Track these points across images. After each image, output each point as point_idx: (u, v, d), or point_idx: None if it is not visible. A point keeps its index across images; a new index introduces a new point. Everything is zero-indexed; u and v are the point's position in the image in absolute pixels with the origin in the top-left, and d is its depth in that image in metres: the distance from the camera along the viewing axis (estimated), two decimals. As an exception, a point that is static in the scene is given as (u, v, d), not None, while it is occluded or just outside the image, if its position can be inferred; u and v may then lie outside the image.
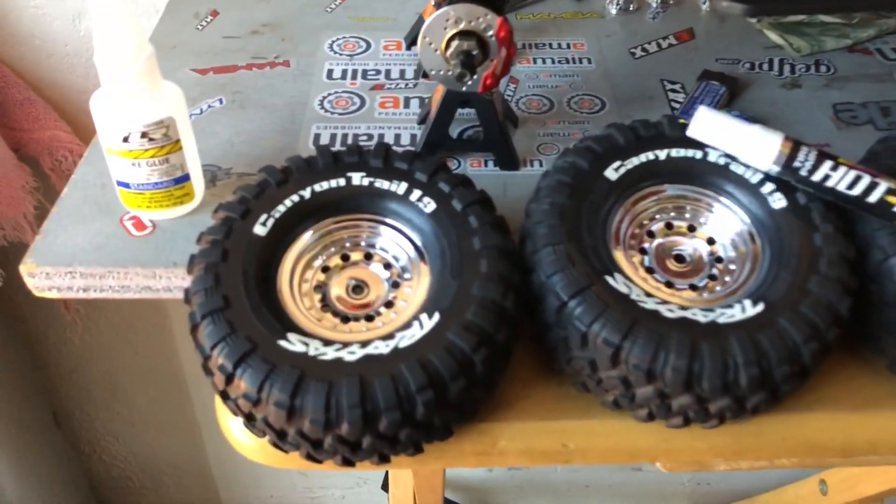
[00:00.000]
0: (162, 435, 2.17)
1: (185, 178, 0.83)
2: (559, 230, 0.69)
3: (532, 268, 0.70)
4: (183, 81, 1.10)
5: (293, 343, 0.69)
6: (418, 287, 0.71)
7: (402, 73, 1.13)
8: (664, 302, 0.72)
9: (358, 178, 0.73)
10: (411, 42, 1.18)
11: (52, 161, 1.61)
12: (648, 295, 0.72)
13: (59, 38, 1.35)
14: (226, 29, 1.13)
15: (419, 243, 0.72)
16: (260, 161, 0.83)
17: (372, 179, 0.74)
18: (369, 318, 0.70)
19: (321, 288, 0.72)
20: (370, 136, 1.02)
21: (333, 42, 1.12)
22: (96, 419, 2.18)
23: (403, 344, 0.69)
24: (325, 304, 0.77)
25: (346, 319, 0.70)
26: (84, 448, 2.28)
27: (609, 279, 0.73)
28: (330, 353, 0.68)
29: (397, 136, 0.97)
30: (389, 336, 0.70)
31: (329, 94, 1.08)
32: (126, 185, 0.82)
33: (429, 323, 0.70)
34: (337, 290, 0.72)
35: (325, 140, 1.02)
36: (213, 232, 0.76)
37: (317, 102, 1.06)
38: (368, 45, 1.12)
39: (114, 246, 0.80)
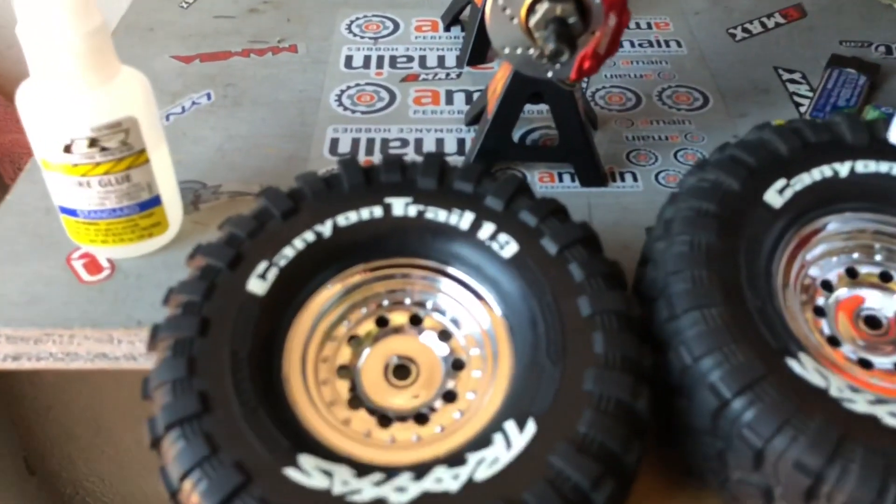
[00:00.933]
0: (153, 475, 1.92)
1: (155, 201, 0.65)
2: (709, 285, 0.51)
3: (667, 344, 0.51)
4: (162, 72, 0.87)
5: (308, 473, 0.44)
6: (496, 372, 0.46)
7: (441, 59, 0.88)
8: (881, 401, 0.46)
9: (401, 207, 0.55)
10: (451, 21, 0.95)
11: (14, 170, 1.40)
12: (854, 389, 0.47)
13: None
14: (217, 6, 0.99)
15: (495, 304, 0.54)
16: (260, 176, 0.60)
17: (422, 208, 0.51)
18: (420, 419, 0.53)
19: (348, 370, 0.48)
20: (403, 142, 0.78)
21: (352, 22, 0.92)
22: (78, 459, 1.93)
23: (482, 475, 0.44)
24: (355, 396, 0.51)
25: (385, 420, 0.53)
26: (66, 491, 2.02)
27: (792, 363, 0.47)
28: (367, 492, 0.43)
29: (439, 142, 0.74)
30: (457, 459, 0.45)
31: (349, 88, 0.85)
32: (72, 213, 0.63)
33: (519, 437, 0.45)
34: (372, 372, 0.48)
35: (344, 147, 0.77)
36: (186, 289, 0.50)
37: (333, 98, 0.83)
38: (396, 26, 0.97)
39: (56, 297, 0.64)
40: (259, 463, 0.45)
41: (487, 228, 0.54)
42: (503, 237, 0.54)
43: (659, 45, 0.92)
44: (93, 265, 0.67)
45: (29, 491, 1.89)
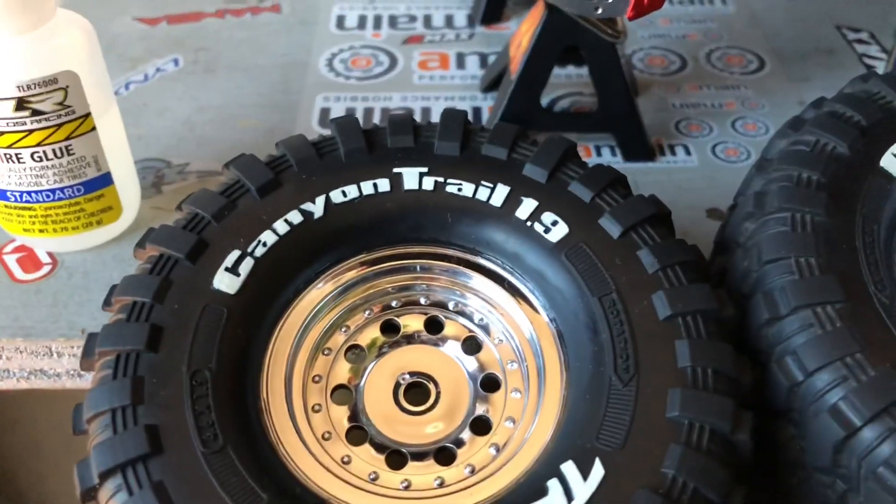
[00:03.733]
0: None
1: (104, 180, 0.55)
2: (822, 275, 0.39)
3: (767, 354, 0.40)
4: (123, 36, 0.76)
5: (296, 539, 0.31)
6: (542, 394, 0.34)
7: (449, 19, 0.77)
8: None
9: (414, 178, 0.44)
10: (459, -23, 0.81)
11: None
12: None
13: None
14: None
15: (540, 304, 0.42)
16: (235, 153, 0.51)
17: (441, 179, 0.36)
18: (443, 457, 0.41)
19: (347, 392, 0.34)
20: (408, 112, 0.65)
21: None
22: (48, 477, 1.80)
23: None
24: (357, 425, 0.39)
25: (397, 458, 0.41)
26: (36, 509, 1.89)
27: (941, 379, 0.35)
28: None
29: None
30: (500, 514, 0.32)
31: (341, 51, 0.74)
32: (0, 195, 0.51)
33: (582, 485, 0.33)
34: (378, 393, 0.35)
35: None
36: (132, 288, 0.38)
37: (323, 62, 0.72)
38: None
39: None
40: (227, 525, 0.33)
41: (527, 205, 0.42)
42: (549, 216, 0.42)
43: (702, 2, 0.80)
44: (29, 260, 0.56)
45: (-6, 513, 1.75)
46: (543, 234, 0.41)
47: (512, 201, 0.42)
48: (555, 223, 0.41)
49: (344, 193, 0.43)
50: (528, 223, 0.42)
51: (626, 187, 0.43)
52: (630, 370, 0.37)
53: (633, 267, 0.39)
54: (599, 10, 0.48)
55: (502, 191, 0.43)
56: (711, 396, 0.36)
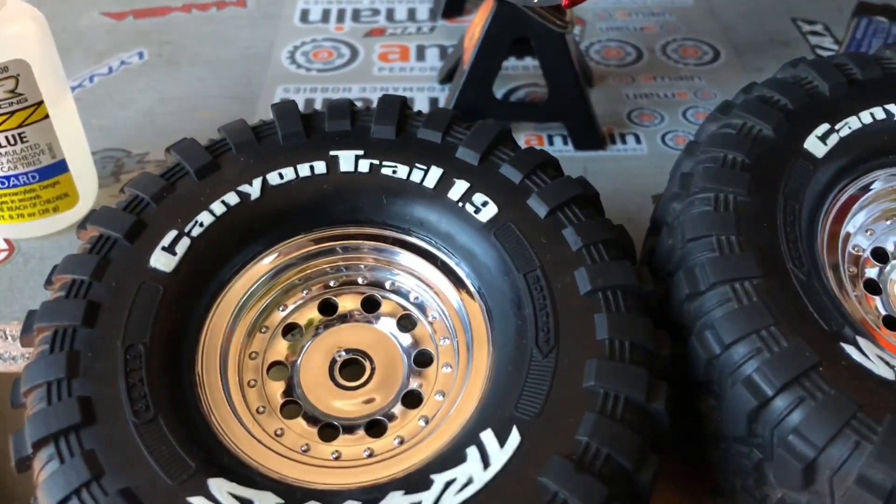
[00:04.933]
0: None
1: (59, 167, 0.55)
2: (741, 252, 0.41)
3: (687, 329, 0.41)
4: (89, 30, 0.77)
5: (219, 503, 0.32)
6: (470, 367, 0.34)
7: (412, 12, 0.78)
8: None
9: (350, 161, 0.43)
10: (423, -29, 0.82)
11: None
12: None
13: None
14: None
15: (470, 282, 0.43)
16: None
17: (376, 162, 0.37)
18: (374, 429, 0.42)
19: (283, 368, 0.36)
20: (366, 102, 0.66)
21: None
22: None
23: (451, 502, 0.32)
24: (291, 400, 0.40)
25: (329, 431, 0.41)
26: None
27: (850, 350, 0.36)
28: (297, 529, 0.32)
29: (409, 103, 0.61)
30: (419, 482, 0.34)
31: (304, 44, 0.75)
32: None
33: (499, 452, 0.34)
34: (313, 370, 0.36)
35: (297, 109, 0.65)
36: (71, 266, 0.39)
37: (285, 55, 0.72)
38: None
39: None
40: (156, 490, 0.34)
41: (459, 187, 0.43)
42: (479, 197, 0.43)
43: (660, -5, 0.81)
44: (-13, 247, 0.56)
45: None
46: (474, 214, 0.42)
47: (445, 183, 0.43)
48: (485, 204, 0.42)
49: (281, 175, 0.43)
50: (460, 204, 0.42)
51: (557, 169, 0.44)
52: (550, 342, 0.38)
53: (557, 245, 0.40)
54: (537, 0, 0.49)
55: (435, 173, 0.43)
56: (627, 367, 0.37)
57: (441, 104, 0.67)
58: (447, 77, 0.69)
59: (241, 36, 0.76)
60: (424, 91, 0.69)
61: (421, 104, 0.68)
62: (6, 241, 0.56)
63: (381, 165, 0.44)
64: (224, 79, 0.71)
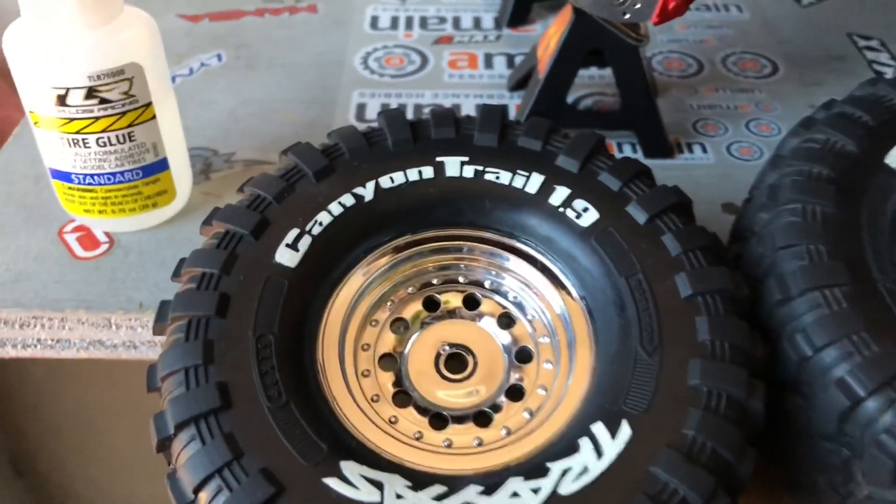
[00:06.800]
0: (150, 479, 1.83)
1: (161, 165, 0.59)
2: (830, 261, 0.43)
3: (777, 332, 0.43)
4: (166, 32, 0.78)
5: (353, 483, 0.35)
6: (573, 365, 0.37)
7: (478, 21, 0.80)
8: None
9: (456, 167, 0.47)
10: (487, -19, 0.85)
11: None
12: None
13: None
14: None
15: (570, 284, 0.46)
16: (277, 143, 0.54)
17: (480, 168, 0.40)
18: (481, 420, 0.44)
19: (391, 361, 0.38)
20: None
21: None
22: (67, 462, 1.83)
23: (568, 489, 0.36)
24: (402, 390, 0.43)
25: (439, 420, 0.44)
26: (55, 494, 1.92)
27: (938, 356, 0.39)
28: (427, 509, 0.34)
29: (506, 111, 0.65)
30: (536, 469, 0.36)
31: (375, 50, 0.77)
32: (65, 177, 0.58)
33: (611, 443, 0.36)
34: (420, 362, 0.39)
35: (372, 113, 0.69)
36: (202, 260, 0.42)
37: (358, 61, 0.75)
38: None
39: (46, 275, 0.57)
40: (292, 471, 0.37)
41: (560, 193, 0.45)
42: (580, 203, 0.45)
43: (718, 9, 0.84)
44: (88, 239, 0.59)
45: (16, 494, 1.79)
46: (575, 219, 0.44)
47: (546, 189, 0.45)
48: (585, 209, 0.45)
49: (392, 179, 0.46)
50: (561, 209, 0.45)
51: (651, 178, 0.47)
52: (654, 342, 0.40)
53: (657, 251, 0.43)
54: (627, 16, 0.51)
55: (537, 179, 0.46)
56: (728, 366, 0.39)
57: (512, 111, 0.70)
58: (517, 85, 0.72)
59: (314, 41, 0.78)
60: (494, 98, 0.72)
61: (492, 111, 0.70)
62: (106, 234, 0.59)
63: (484, 171, 0.46)
64: (300, 82, 0.73)
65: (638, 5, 0.50)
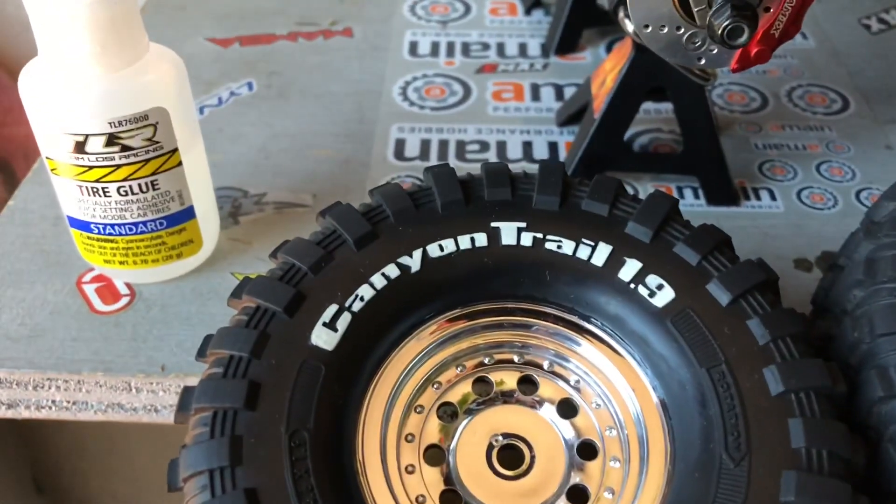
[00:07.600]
0: (167, 496, 1.80)
1: (187, 214, 0.55)
2: None
3: (880, 432, 0.38)
4: (195, 57, 0.75)
5: None
6: (645, 466, 0.32)
7: (523, 47, 0.75)
8: None
9: (512, 232, 0.41)
10: (532, 3, 0.80)
11: (28, 165, 1.28)
12: None
13: None
14: (258, -18, 0.86)
15: (642, 371, 0.41)
16: (311, 183, 0.48)
17: (539, 234, 0.35)
18: None
19: (438, 452, 0.34)
20: (483, 145, 0.65)
21: (416, 3, 0.79)
22: (90, 477, 1.81)
23: None
24: (451, 489, 0.38)
25: None
26: (77, 508, 1.91)
27: None
28: None
29: (526, 145, 0.63)
30: None
31: (415, 79, 0.72)
32: (83, 226, 0.54)
33: (696, 572, 0.31)
34: (470, 455, 0.35)
35: (412, 149, 0.64)
36: (230, 341, 0.37)
37: (397, 90, 0.70)
38: (468, 8, 0.86)
39: (63, 331, 0.53)
40: None
41: (631, 266, 0.40)
42: (653, 279, 0.40)
43: (780, 36, 0.78)
44: (108, 291, 0.55)
45: (39, 511, 1.76)
46: (648, 297, 0.39)
47: (614, 261, 0.41)
48: (660, 287, 0.40)
49: (441, 247, 0.41)
50: (632, 285, 0.40)
51: (732, 249, 0.42)
52: (742, 448, 0.35)
53: (742, 337, 0.38)
54: (702, 61, 0.46)
55: (604, 250, 0.41)
56: (828, 481, 0.34)
57: (562, 148, 0.65)
58: (567, 120, 0.66)
59: (350, 68, 0.74)
60: (542, 134, 0.67)
61: (540, 148, 0.65)
62: (127, 285, 0.55)
63: (544, 239, 0.41)
64: (336, 114, 0.68)
65: (714, 50, 0.45)
